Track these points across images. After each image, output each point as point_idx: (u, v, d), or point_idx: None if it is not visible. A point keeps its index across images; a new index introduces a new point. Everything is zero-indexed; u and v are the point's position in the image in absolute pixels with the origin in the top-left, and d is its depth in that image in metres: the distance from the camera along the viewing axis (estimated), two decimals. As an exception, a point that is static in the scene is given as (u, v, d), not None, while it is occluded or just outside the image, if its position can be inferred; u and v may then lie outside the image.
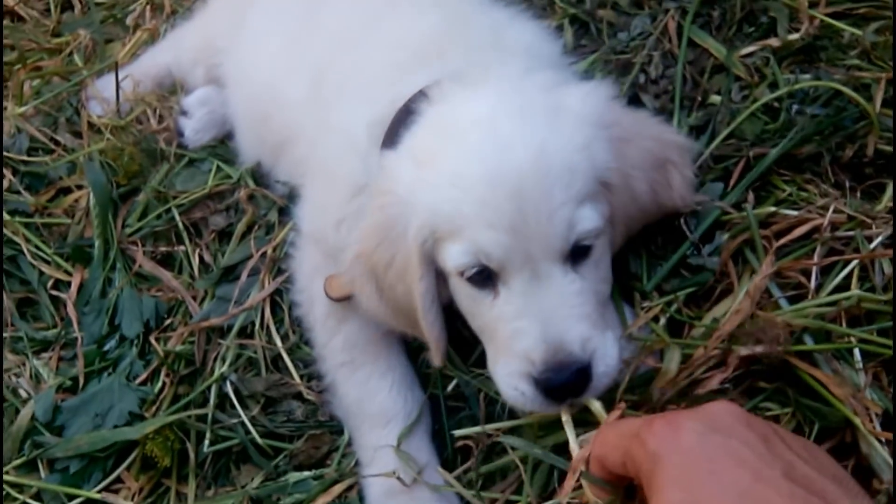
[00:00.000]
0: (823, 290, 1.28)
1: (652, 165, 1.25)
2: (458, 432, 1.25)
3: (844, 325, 1.22)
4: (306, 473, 1.37)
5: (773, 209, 1.38)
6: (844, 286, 1.28)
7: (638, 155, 1.23)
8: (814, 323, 1.22)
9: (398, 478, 1.25)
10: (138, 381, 1.47)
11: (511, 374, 1.11)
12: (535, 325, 1.10)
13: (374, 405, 1.33)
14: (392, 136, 1.28)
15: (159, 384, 1.47)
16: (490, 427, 1.23)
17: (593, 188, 1.17)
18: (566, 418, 1.09)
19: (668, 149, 1.28)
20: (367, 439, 1.32)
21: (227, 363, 1.49)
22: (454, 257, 1.14)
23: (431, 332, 1.20)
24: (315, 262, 1.44)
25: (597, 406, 1.09)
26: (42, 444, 1.39)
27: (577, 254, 1.14)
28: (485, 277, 1.14)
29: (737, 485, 0.76)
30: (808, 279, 1.28)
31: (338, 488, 1.34)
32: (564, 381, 1.07)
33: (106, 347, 1.53)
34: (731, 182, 1.44)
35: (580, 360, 1.08)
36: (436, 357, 1.23)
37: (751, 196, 1.39)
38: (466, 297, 1.18)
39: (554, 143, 1.15)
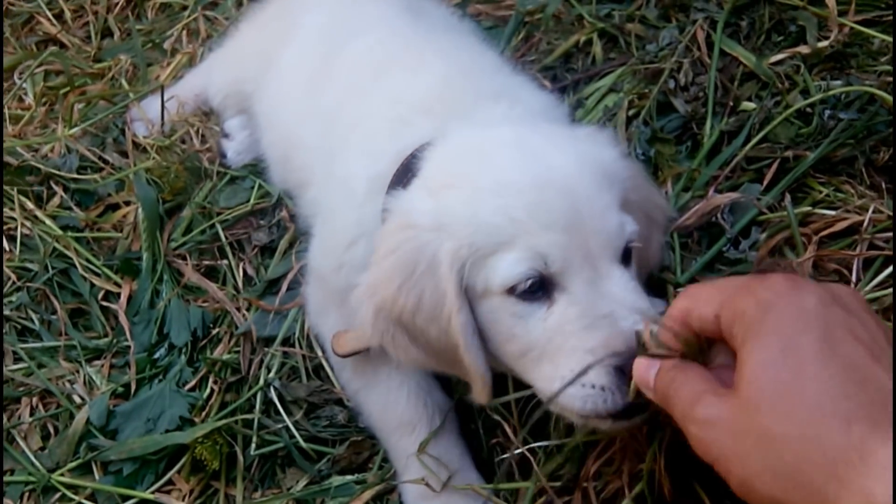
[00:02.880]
0: (862, 286, 1.30)
1: (645, 216, 1.24)
2: (496, 400, 1.18)
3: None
4: (349, 477, 1.40)
5: (811, 209, 1.40)
6: (884, 284, 1.30)
7: (639, 197, 1.23)
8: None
9: (426, 484, 1.26)
10: (187, 387, 1.51)
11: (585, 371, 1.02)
12: (606, 319, 1.04)
13: (396, 417, 1.34)
14: (394, 188, 1.25)
15: (207, 391, 1.52)
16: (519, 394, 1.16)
17: (624, 200, 1.16)
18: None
19: (655, 208, 1.28)
20: (397, 449, 1.34)
21: (273, 370, 1.53)
22: (507, 269, 1.07)
23: (476, 367, 1.11)
24: (319, 300, 1.46)
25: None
26: (96, 447, 1.43)
27: (624, 256, 1.12)
28: (536, 289, 1.08)
29: (849, 357, 0.71)
30: (849, 274, 1.30)
31: (378, 492, 1.37)
32: None
33: (156, 355, 1.58)
34: (765, 183, 1.47)
35: None
36: (482, 395, 1.14)
37: (788, 196, 1.42)
38: (511, 318, 1.10)
39: (587, 151, 1.17)
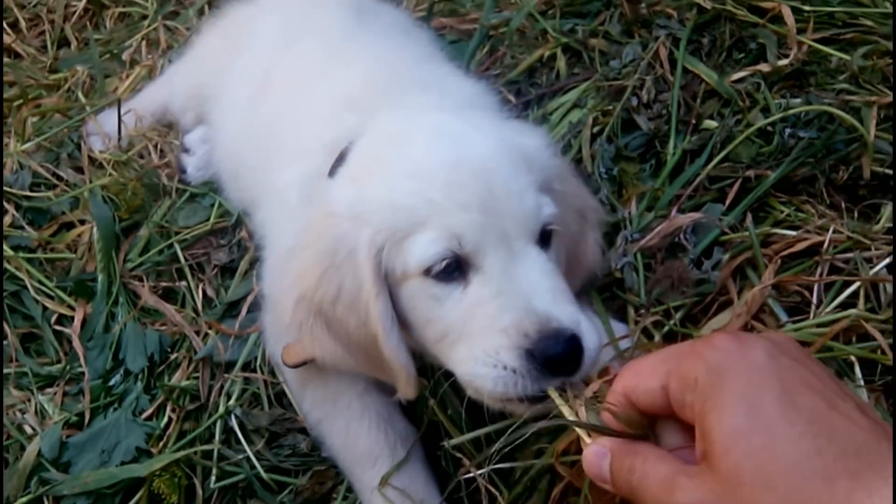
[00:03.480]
0: (823, 307, 1.32)
1: (576, 211, 1.25)
2: (451, 441, 1.17)
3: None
4: (312, 509, 1.37)
5: (772, 229, 1.41)
6: (845, 304, 1.32)
7: (571, 193, 1.24)
8: (812, 338, 1.25)
9: None
10: (144, 416, 1.47)
11: (497, 351, 1.02)
12: (520, 298, 1.04)
13: (358, 448, 1.32)
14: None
15: (165, 419, 1.47)
16: (482, 431, 1.11)
17: (546, 186, 1.16)
18: (558, 399, 0.98)
19: (588, 207, 1.30)
20: (360, 482, 1.32)
21: (234, 397, 1.50)
22: (422, 250, 1.07)
23: (397, 358, 1.11)
24: (273, 329, 1.43)
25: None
26: (49, 481, 1.37)
27: (542, 239, 1.11)
28: (452, 270, 1.07)
29: (811, 410, 0.71)
30: (810, 295, 1.31)
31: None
32: (563, 349, 1.00)
33: (111, 382, 1.53)
34: (727, 203, 1.48)
35: (571, 330, 1.02)
36: (407, 388, 1.14)
37: (749, 216, 1.43)
38: (428, 300, 1.10)
39: (508, 136, 1.18)
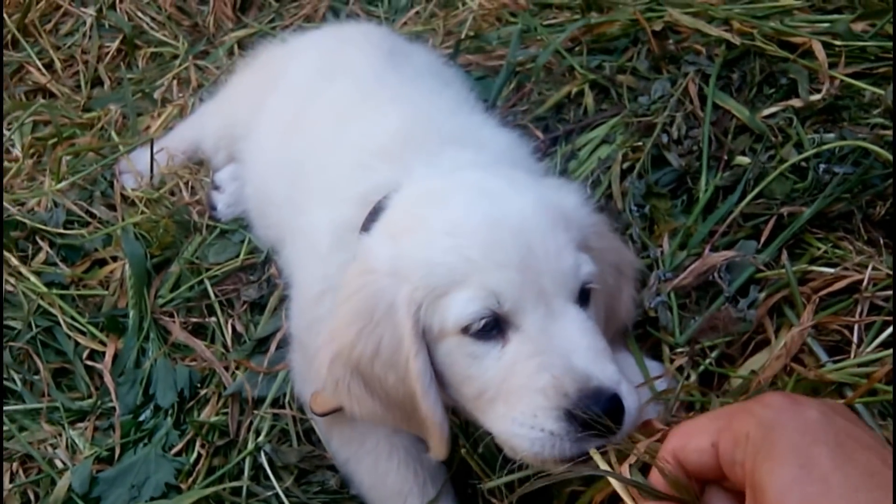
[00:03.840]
0: (864, 347, 1.30)
1: (613, 266, 1.26)
2: (487, 484, 1.17)
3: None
4: (342, 547, 1.37)
5: (809, 266, 1.40)
6: (886, 343, 1.30)
7: (608, 249, 1.25)
8: (855, 380, 1.23)
9: None
10: (174, 451, 1.48)
11: (535, 414, 1.02)
12: (559, 358, 1.04)
13: (387, 487, 1.32)
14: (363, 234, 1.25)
15: (194, 455, 1.48)
16: (516, 476, 1.10)
17: (584, 244, 1.17)
18: (600, 460, 0.97)
19: (625, 262, 1.31)
20: None
21: (263, 434, 1.51)
22: (460, 308, 1.08)
23: (434, 416, 1.11)
24: (303, 366, 1.44)
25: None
26: (79, 517, 1.40)
27: (581, 298, 1.12)
28: (490, 328, 1.08)
29: (866, 465, 0.71)
30: (850, 335, 1.29)
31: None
32: (604, 408, 0.99)
33: (141, 417, 1.55)
34: (762, 240, 1.47)
35: (612, 389, 1.02)
36: (439, 448, 1.14)
37: (785, 253, 1.42)
38: (466, 358, 1.10)
39: (546, 194, 1.19)
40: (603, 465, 0.94)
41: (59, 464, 1.51)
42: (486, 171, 1.23)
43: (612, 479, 0.91)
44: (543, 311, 1.07)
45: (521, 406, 1.04)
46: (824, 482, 0.70)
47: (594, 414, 0.99)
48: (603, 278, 1.19)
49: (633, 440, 1.00)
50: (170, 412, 1.55)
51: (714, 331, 1.35)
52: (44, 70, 2.71)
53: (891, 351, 1.26)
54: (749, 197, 1.52)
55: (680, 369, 1.32)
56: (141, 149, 2.22)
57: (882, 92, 1.69)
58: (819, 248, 1.45)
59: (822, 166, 1.55)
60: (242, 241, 1.90)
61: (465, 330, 1.09)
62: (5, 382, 1.66)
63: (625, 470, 0.90)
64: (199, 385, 1.61)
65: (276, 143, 1.72)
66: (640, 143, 1.74)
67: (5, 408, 1.60)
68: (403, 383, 1.12)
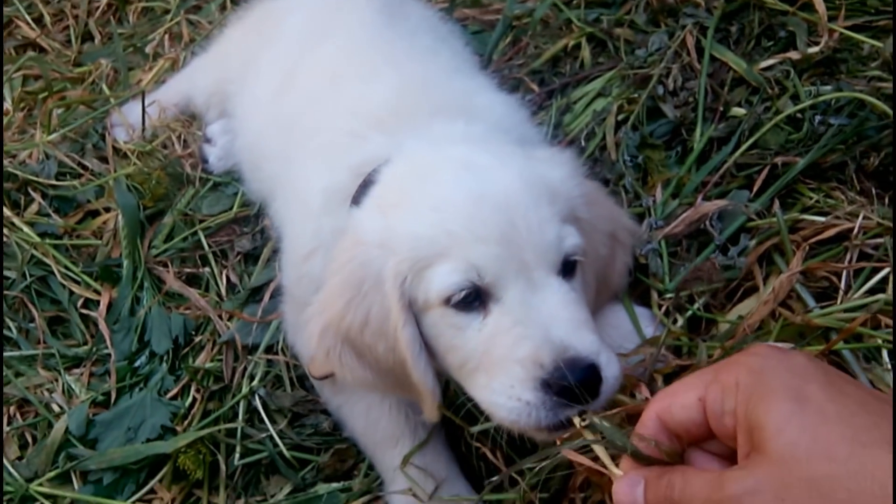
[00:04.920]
0: (852, 293, 1.35)
1: (606, 235, 1.30)
2: (474, 428, 1.19)
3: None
4: (334, 485, 1.43)
5: (800, 215, 1.45)
6: (873, 290, 1.34)
7: (600, 217, 1.28)
8: (841, 324, 1.28)
9: (414, 495, 1.30)
10: (169, 395, 1.54)
11: (512, 385, 1.07)
12: (537, 329, 1.08)
13: (379, 431, 1.38)
14: (354, 204, 1.29)
15: (189, 399, 1.54)
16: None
17: (571, 216, 1.21)
18: (583, 428, 0.97)
19: (620, 228, 1.34)
20: (382, 462, 1.38)
21: (257, 379, 1.56)
22: (442, 280, 1.12)
23: (425, 382, 1.16)
24: (294, 317, 1.48)
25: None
26: (76, 457, 1.45)
27: (565, 270, 1.16)
28: (472, 300, 1.12)
29: (857, 396, 0.75)
30: (838, 282, 1.34)
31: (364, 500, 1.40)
32: (579, 378, 1.03)
33: (136, 363, 1.60)
34: (755, 189, 1.52)
35: (589, 359, 1.05)
36: (430, 411, 1.19)
37: (777, 203, 1.46)
38: (449, 329, 1.15)
39: (533, 169, 1.22)
40: (586, 434, 0.96)
41: (55, 408, 1.57)
42: (474, 146, 1.26)
43: (593, 445, 0.93)
44: (524, 284, 1.11)
45: (500, 377, 1.09)
46: (821, 412, 0.74)
47: (568, 384, 1.03)
48: (593, 248, 1.24)
49: (619, 404, 1.04)
50: (165, 358, 1.61)
51: (701, 280, 1.40)
52: (33, 24, 2.74)
53: (878, 297, 1.31)
54: (743, 147, 1.56)
55: (667, 314, 1.37)
56: (132, 102, 2.25)
57: (881, 45, 1.72)
58: (811, 198, 1.49)
59: (817, 118, 1.58)
60: (236, 194, 1.94)
61: (447, 301, 1.13)
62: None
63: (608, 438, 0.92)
64: (193, 333, 1.66)
65: (270, 99, 1.75)
66: (636, 96, 1.77)
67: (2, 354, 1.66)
68: (393, 352, 1.17)
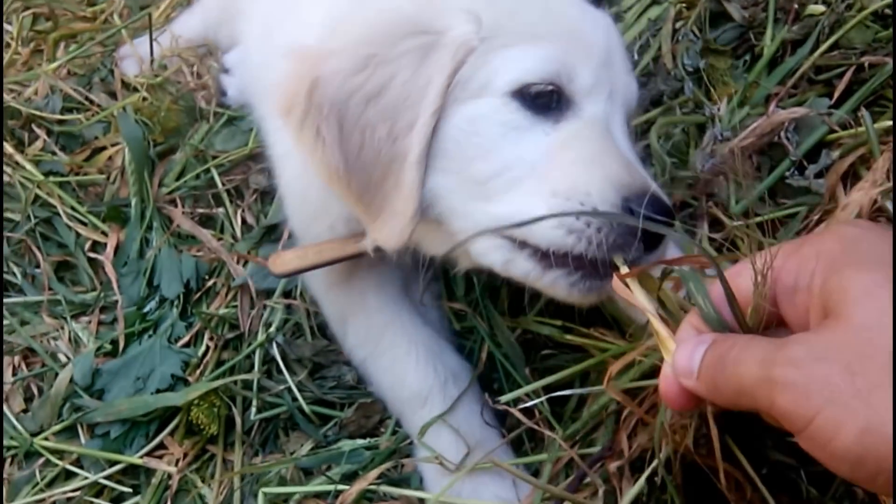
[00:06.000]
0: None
1: None
2: (503, 398, 1.14)
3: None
4: (359, 442, 1.33)
5: (891, 125, 1.27)
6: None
7: None
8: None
9: (440, 463, 1.19)
10: (180, 343, 1.45)
11: (587, 192, 0.90)
12: (620, 153, 0.97)
13: (406, 388, 1.27)
14: None
15: (202, 347, 1.45)
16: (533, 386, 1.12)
17: None
18: (635, 285, 0.82)
19: None
20: (410, 422, 1.27)
21: (274, 326, 1.47)
22: (526, 64, 0.95)
23: (410, 199, 0.95)
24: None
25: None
26: (82, 408, 1.38)
27: None
28: (547, 102, 0.96)
29: None
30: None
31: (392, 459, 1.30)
32: (663, 211, 0.89)
33: (146, 309, 1.52)
34: (835, 97, 1.34)
35: (668, 202, 0.94)
36: (396, 233, 0.97)
37: (864, 110, 1.28)
38: (500, 127, 0.95)
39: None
40: (636, 289, 0.81)
41: (62, 357, 1.50)
42: None
43: (645, 308, 0.80)
44: (609, 112, 1.02)
45: (566, 182, 0.92)
46: None
47: (654, 212, 0.88)
48: None
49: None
50: (175, 303, 1.52)
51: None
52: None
53: None
54: (822, 48, 1.37)
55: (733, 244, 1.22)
56: (144, 37, 2.14)
57: None
58: (903, 104, 1.31)
59: (911, 11, 1.39)
60: (251, 129, 1.82)
61: (518, 93, 0.96)
62: (5, 276, 1.64)
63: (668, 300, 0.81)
64: (206, 276, 1.56)
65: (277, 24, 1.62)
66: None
67: (6, 301, 1.59)
68: (395, 142, 0.95)
